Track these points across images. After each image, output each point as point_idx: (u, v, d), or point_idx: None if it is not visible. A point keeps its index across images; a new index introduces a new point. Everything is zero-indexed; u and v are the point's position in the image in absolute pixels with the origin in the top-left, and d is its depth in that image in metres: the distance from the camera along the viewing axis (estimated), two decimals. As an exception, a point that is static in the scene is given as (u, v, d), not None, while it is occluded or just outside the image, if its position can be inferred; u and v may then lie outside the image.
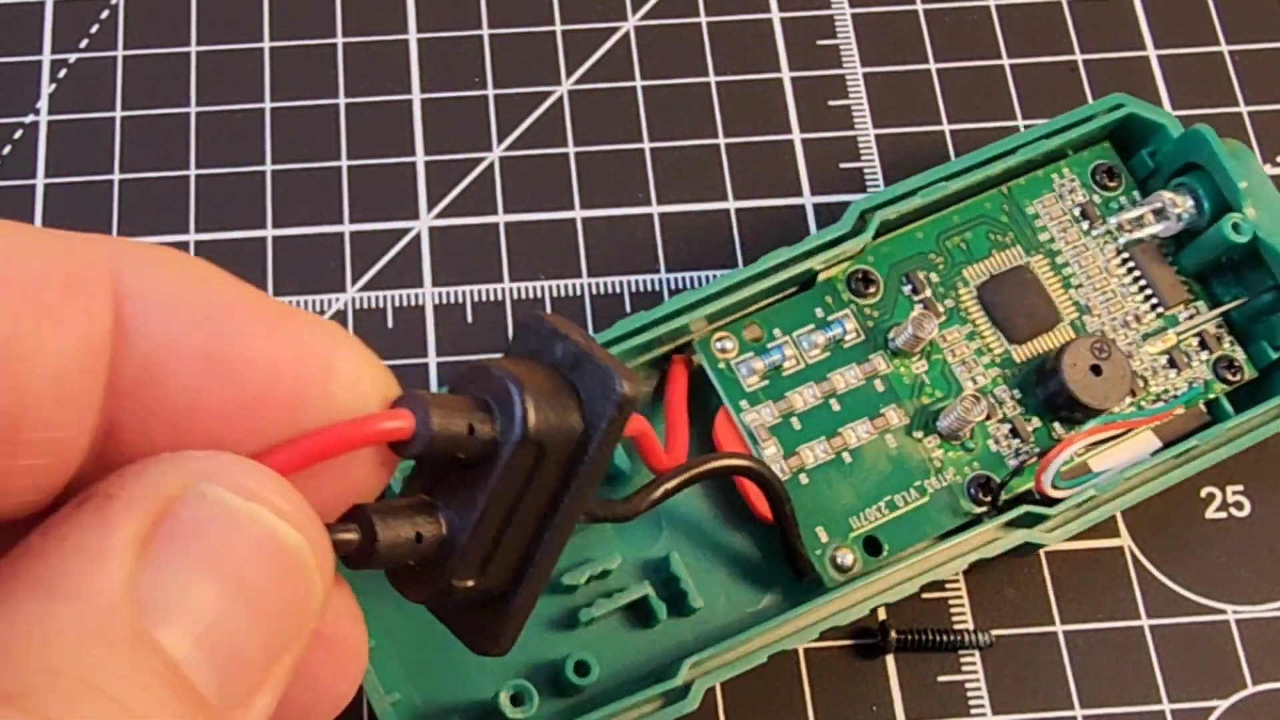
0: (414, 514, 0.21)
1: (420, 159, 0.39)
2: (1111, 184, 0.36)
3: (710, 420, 0.33)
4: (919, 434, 0.33)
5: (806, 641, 0.31)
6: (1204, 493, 0.35)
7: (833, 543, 0.32)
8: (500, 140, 0.39)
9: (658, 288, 0.37)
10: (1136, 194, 0.36)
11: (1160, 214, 0.35)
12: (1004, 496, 0.32)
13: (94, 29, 0.40)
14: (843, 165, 0.39)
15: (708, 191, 0.38)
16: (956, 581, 0.34)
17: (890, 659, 0.33)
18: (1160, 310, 0.35)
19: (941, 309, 0.34)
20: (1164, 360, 0.34)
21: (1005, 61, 0.40)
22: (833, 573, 0.32)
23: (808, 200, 0.38)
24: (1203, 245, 0.34)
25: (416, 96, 0.40)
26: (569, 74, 0.40)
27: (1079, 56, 0.40)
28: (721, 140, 0.39)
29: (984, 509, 0.33)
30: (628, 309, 0.37)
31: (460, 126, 0.39)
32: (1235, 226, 0.34)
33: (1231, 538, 0.35)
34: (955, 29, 0.41)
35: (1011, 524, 0.32)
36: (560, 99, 0.40)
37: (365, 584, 0.30)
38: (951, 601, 0.34)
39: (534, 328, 0.22)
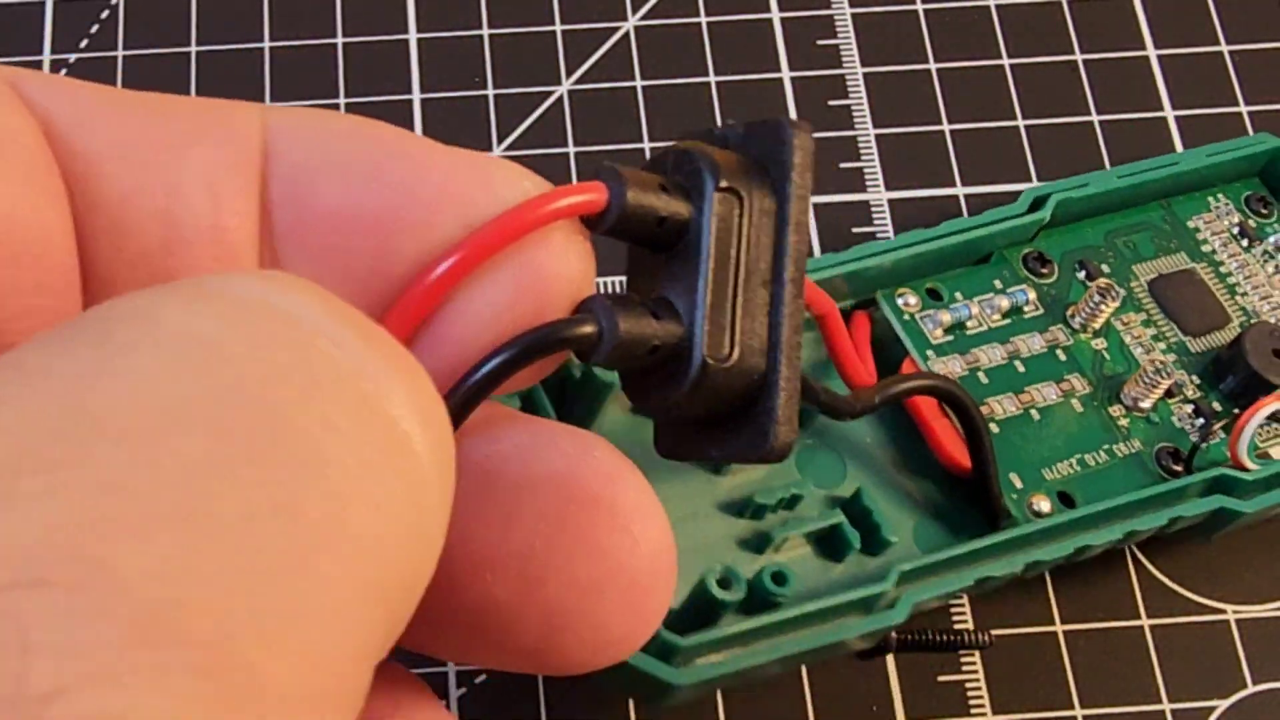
0: (641, 304, 0.20)
1: (420, 159, 0.39)
2: (1265, 212, 0.37)
3: (895, 372, 0.33)
4: (1104, 403, 0.34)
5: (1009, 571, 0.31)
6: (1204, 493, 0.35)
7: (1028, 490, 0.32)
8: (500, 140, 0.39)
9: (658, 288, 0.37)
10: None
11: None
12: (1196, 465, 0.33)
13: (94, 29, 0.40)
14: (843, 165, 0.39)
15: (708, 191, 0.38)
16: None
17: (890, 659, 0.33)
18: None
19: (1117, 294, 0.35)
20: None
21: (1005, 61, 0.40)
22: (1030, 518, 0.32)
23: (808, 200, 0.38)
24: None
25: (416, 96, 0.40)
26: (569, 74, 0.40)
27: (1079, 56, 0.40)
28: (721, 140, 0.39)
29: (1175, 476, 0.33)
30: (628, 309, 0.37)
31: (460, 126, 0.39)
32: None
33: (1232, 538, 0.34)
34: (955, 29, 0.41)
35: (1207, 492, 0.32)
36: (560, 99, 0.40)
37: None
38: (952, 603, 0.34)
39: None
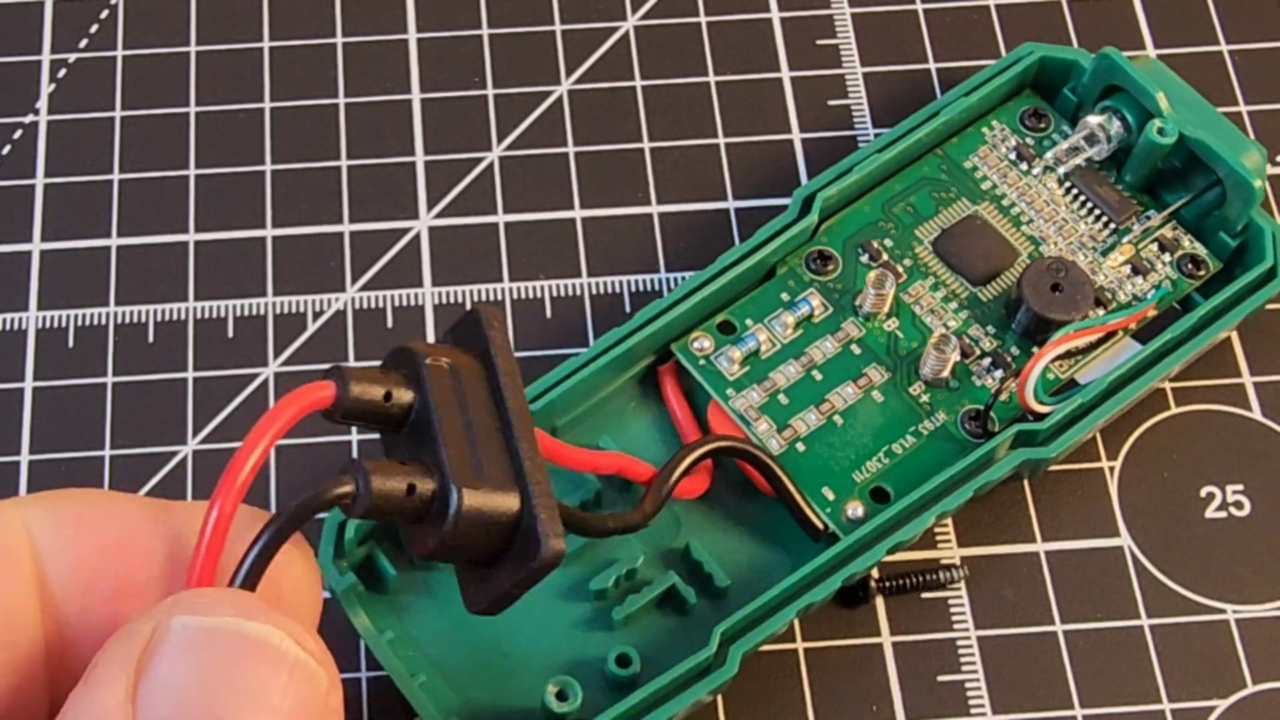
0: (402, 468, 0.24)
1: (420, 159, 0.39)
2: (1041, 125, 0.37)
3: (704, 414, 0.34)
4: (905, 385, 0.34)
5: (829, 593, 0.31)
6: (1204, 492, 0.35)
7: (840, 499, 0.33)
8: (500, 140, 0.39)
9: (658, 287, 0.37)
10: (1067, 128, 0.37)
11: (1091, 140, 0.36)
12: (995, 420, 0.33)
13: (94, 29, 0.40)
14: (843, 165, 0.39)
15: (708, 191, 0.38)
16: (957, 582, 0.34)
17: (890, 658, 0.33)
18: (1114, 226, 0.36)
19: (901, 269, 0.35)
20: (1127, 270, 0.35)
21: (1005, 61, 0.40)
22: (846, 526, 0.32)
23: (808, 200, 0.38)
24: (1137, 158, 0.36)
25: (416, 96, 0.40)
26: (569, 74, 0.40)
27: (1079, 56, 0.40)
28: (721, 140, 0.39)
29: (978, 438, 0.33)
30: (628, 309, 0.37)
31: (460, 126, 0.39)
32: (1160, 130, 0.35)
33: (1231, 538, 0.35)
34: (955, 29, 0.41)
35: (1011, 448, 0.33)
36: (560, 99, 0.40)
37: (416, 618, 0.32)
38: (951, 601, 0.34)
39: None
